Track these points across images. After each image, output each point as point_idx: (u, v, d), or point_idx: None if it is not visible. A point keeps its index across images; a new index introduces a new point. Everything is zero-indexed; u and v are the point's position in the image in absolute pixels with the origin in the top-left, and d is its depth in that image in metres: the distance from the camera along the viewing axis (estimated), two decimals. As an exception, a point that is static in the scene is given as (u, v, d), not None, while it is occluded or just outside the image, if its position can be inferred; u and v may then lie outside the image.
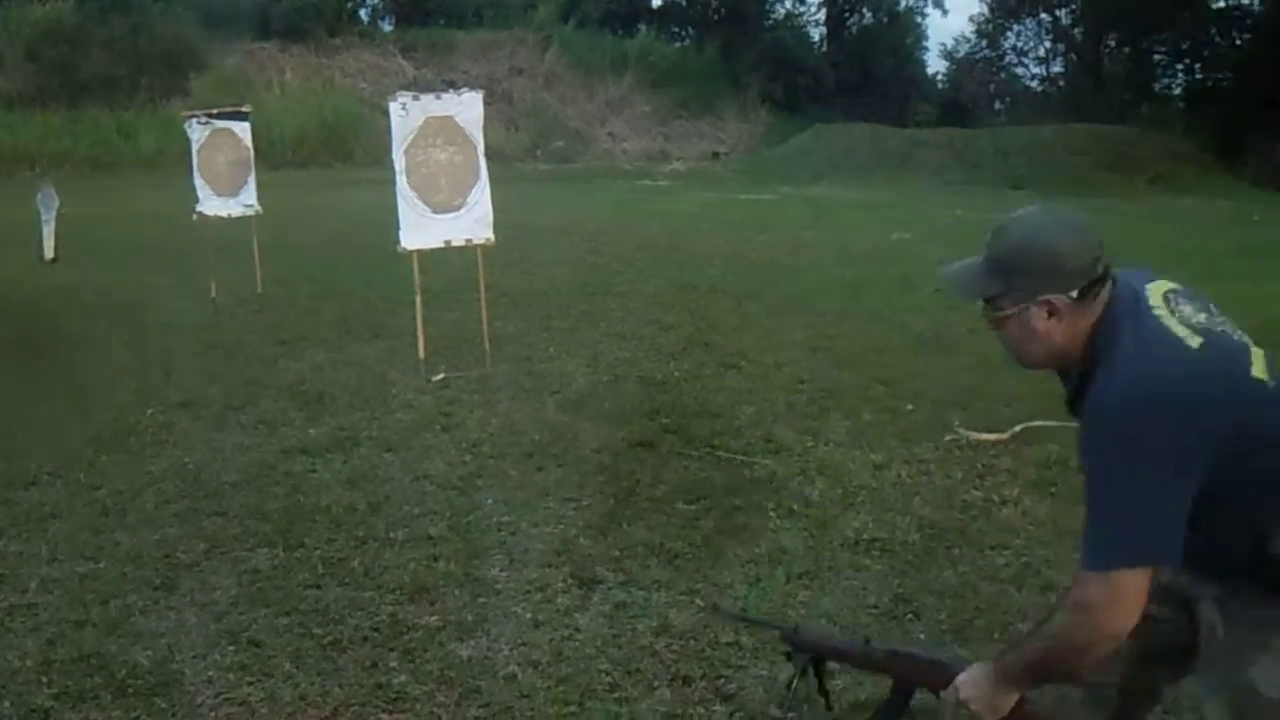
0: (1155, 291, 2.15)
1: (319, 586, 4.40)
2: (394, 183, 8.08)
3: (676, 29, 49.18)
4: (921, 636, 3.95)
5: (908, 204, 25.16)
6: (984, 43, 48.24)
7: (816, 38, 51.48)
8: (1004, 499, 5.38)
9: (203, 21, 37.42)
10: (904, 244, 16.58)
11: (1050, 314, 2.10)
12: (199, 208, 11.10)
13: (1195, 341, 2.03)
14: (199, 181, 11.06)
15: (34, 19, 34.15)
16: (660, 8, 49.05)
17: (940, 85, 52.83)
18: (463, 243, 8.07)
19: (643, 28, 45.43)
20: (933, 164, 35.31)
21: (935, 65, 54.12)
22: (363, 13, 45.02)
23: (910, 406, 7.05)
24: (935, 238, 17.63)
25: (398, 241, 8.05)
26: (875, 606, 4.22)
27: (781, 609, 4.18)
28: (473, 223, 8.05)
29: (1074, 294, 2.08)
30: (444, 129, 7.84)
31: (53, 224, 15.07)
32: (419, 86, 38.64)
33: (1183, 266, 13.77)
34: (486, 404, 7.24)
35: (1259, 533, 2.05)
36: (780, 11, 51.43)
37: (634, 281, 12.39)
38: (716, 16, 48.30)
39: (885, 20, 51.06)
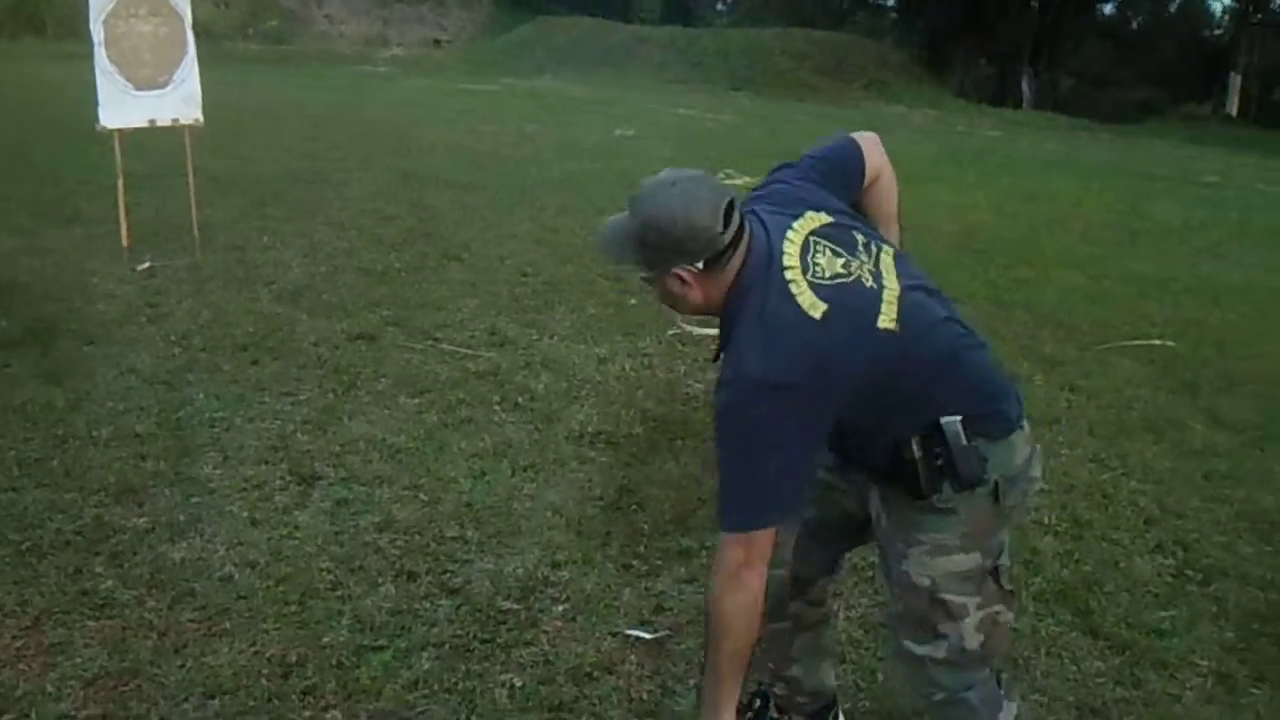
0: (796, 240, 2.24)
1: (14, 490, 4.10)
2: (92, 57, 7.48)
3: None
4: (645, 527, 4.02)
5: (631, 100, 25.27)
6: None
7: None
8: (723, 390, 5.50)
9: None
10: (627, 140, 16.68)
11: (682, 282, 2.21)
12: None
13: (819, 312, 2.14)
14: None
15: None
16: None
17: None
18: (169, 122, 7.56)
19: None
20: (656, 61, 35.57)
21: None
22: None
23: (634, 301, 7.10)
24: (657, 134, 17.88)
25: (97, 120, 7.48)
26: (600, 498, 4.27)
27: (506, 502, 4.17)
28: (179, 101, 7.56)
29: (699, 265, 2.17)
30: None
31: None
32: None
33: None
34: (196, 294, 6.88)
35: (897, 443, 2.29)
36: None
37: (353, 170, 11.99)
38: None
39: (610, -88, 50.74)
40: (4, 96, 16.84)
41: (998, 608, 2.42)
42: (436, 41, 40.34)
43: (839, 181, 2.48)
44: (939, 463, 2.27)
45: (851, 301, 2.18)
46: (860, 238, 2.31)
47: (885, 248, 2.35)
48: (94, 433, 4.64)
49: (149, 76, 7.39)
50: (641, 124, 19.38)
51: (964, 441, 2.25)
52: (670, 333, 6.48)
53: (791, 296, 2.15)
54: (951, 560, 2.35)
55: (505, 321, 6.56)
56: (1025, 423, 2.41)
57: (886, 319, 2.20)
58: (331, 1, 39.81)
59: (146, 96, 7.41)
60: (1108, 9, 43.68)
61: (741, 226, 2.19)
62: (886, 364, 2.20)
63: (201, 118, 7.69)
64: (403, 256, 8.08)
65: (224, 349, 5.83)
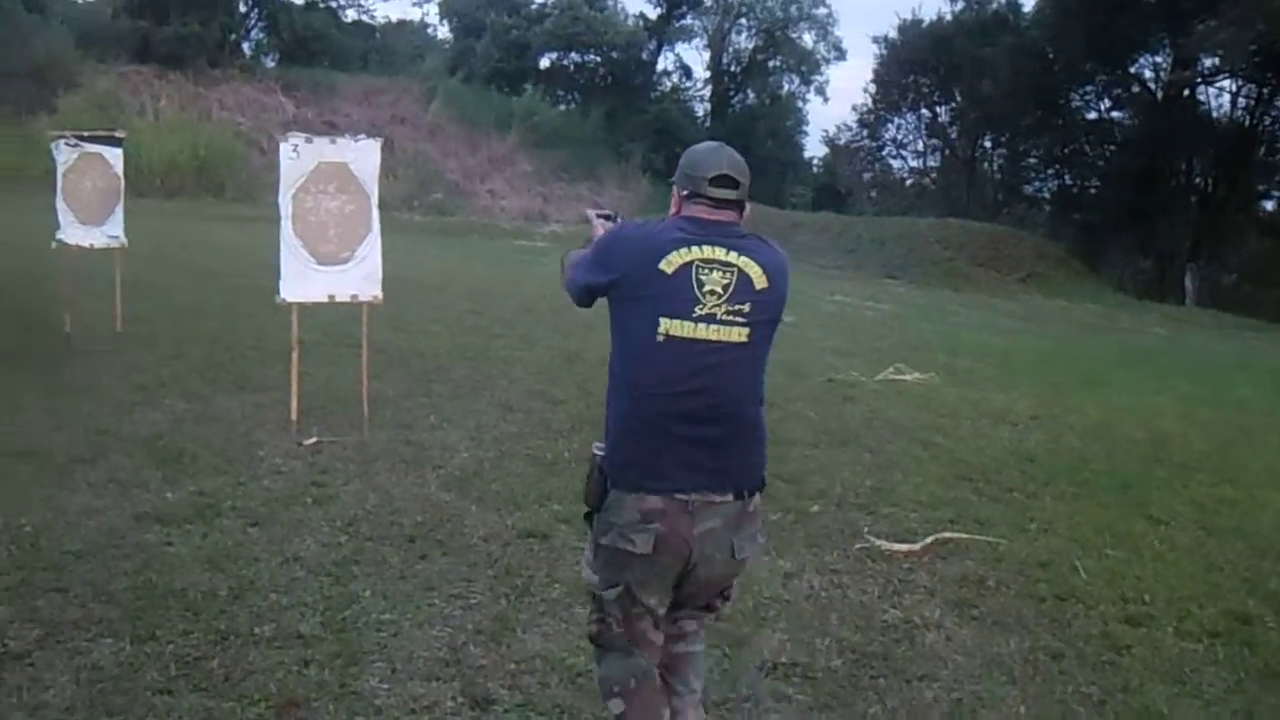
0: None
1: (170, 692, 3.83)
2: (272, 225, 7.53)
3: (562, 92, 49.08)
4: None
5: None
6: (864, 132, 49.13)
7: (700, 113, 52.01)
8: (925, 621, 5.03)
9: (79, 39, 36.12)
10: (790, 328, 16.34)
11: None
12: (60, 235, 10.28)
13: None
14: (61, 207, 10.26)
15: (-106, 20, 32.64)
16: (548, 69, 48.87)
17: (816, 170, 53.75)
18: (348, 298, 7.53)
19: (529, 87, 45.15)
20: (810, 246, 35.57)
21: (813, 150, 55.08)
22: (246, 46, 44.08)
23: (816, 507, 6.70)
24: (818, 322, 17.59)
25: (277, 292, 7.47)
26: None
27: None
28: (361, 278, 7.52)
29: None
30: (337, 176, 7.29)
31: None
32: (299, 125, 37.85)
33: (1069, 374, 13.89)
34: (363, 475, 6.69)
35: None
36: (667, 84, 51.92)
37: (517, 348, 11.93)
38: (603, 83, 48.39)
39: (768, 101, 51.78)
40: (185, 258, 17.38)
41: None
42: (592, 219, 41.09)
43: None
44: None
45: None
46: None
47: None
48: (256, 630, 4.37)
49: (332, 252, 7.37)
50: (801, 311, 19.12)
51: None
52: (858, 546, 6.04)
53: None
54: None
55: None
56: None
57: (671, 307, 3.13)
58: (494, 177, 40.98)
59: (329, 272, 7.39)
60: (1269, 205, 42.58)
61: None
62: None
63: (380, 294, 7.63)
64: (571, 445, 7.80)
65: (391, 539, 5.57)
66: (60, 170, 10.29)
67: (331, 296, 7.48)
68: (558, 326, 13.70)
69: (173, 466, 6.62)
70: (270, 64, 43.45)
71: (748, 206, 3.25)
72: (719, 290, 3.10)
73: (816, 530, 6.30)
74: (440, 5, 48.73)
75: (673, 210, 3.27)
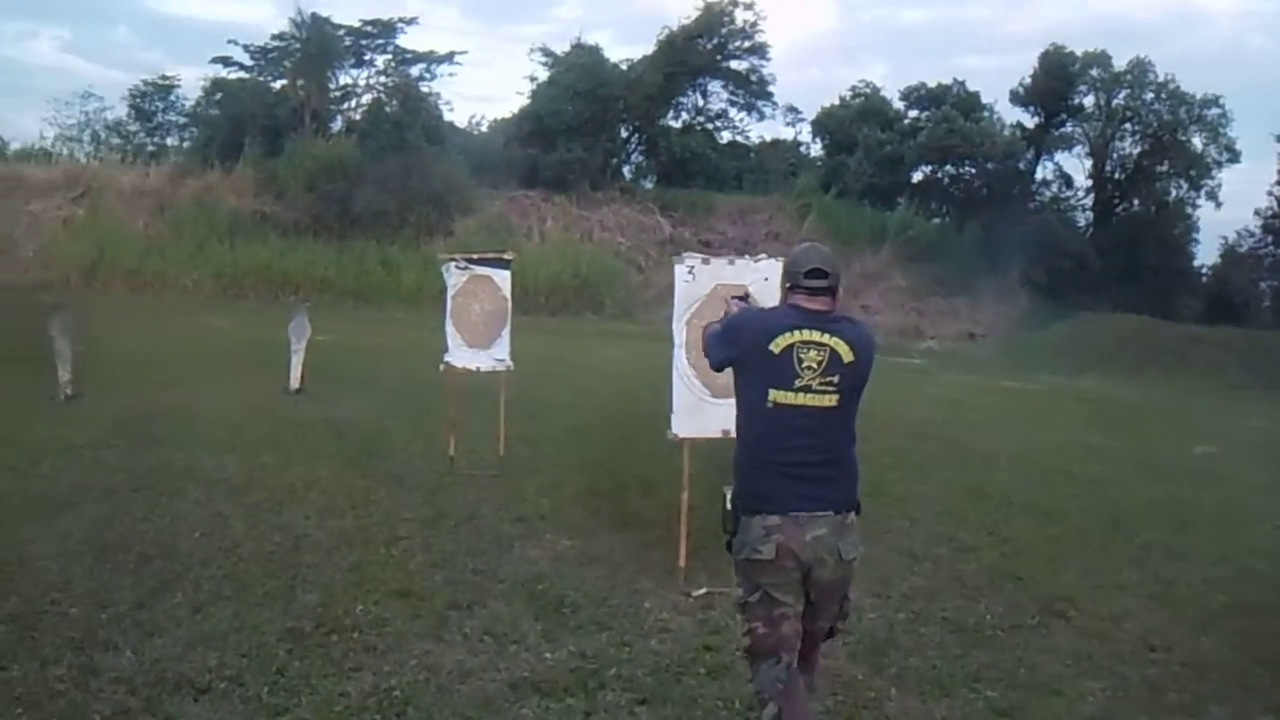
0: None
1: None
2: (662, 349, 6.98)
3: (936, 205, 47.83)
4: None
5: (1193, 408, 22.88)
6: (1269, 238, 45.13)
7: (1082, 223, 49.41)
8: None
9: (474, 167, 38.14)
10: (1211, 460, 14.57)
11: None
12: (447, 358, 10.16)
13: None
14: (450, 330, 10.15)
15: (316, 153, 35.30)
16: (921, 182, 47.81)
17: (1204, 279, 49.77)
18: (719, 434, 6.82)
19: (901, 202, 44.22)
20: (1210, 363, 32.61)
21: (1202, 258, 51.07)
22: (626, 170, 45.34)
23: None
24: (1242, 453, 15.59)
25: (669, 428, 6.87)
26: None
27: None
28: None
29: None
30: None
31: (302, 354, 14.64)
32: (676, 244, 38.38)
33: None
34: (760, 639, 5.90)
35: None
36: (1046, 194, 49.71)
37: (912, 480, 10.92)
38: (979, 195, 46.83)
39: (1154, 209, 48.61)
40: (568, 377, 17.36)
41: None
42: (971, 335, 39.48)
43: None
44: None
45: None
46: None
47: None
48: None
49: (728, 384, 6.66)
50: (1219, 439, 17.13)
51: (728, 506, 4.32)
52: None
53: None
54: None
55: (1147, 723, 5.04)
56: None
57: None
58: (870, 293, 40.14)
59: (725, 404, 6.68)
60: None
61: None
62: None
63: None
64: (993, 607, 6.75)
65: (803, 730, 4.73)
66: (450, 293, 10.20)
67: (726, 432, 6.77)
68: (954, 456, 12.61)
69: (552, 618, 6.07)
70: (648, 185, 44.48)
71: (840, 292, 4.24)
72: (814, 366, 4.10)
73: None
74: (813, 123, 48.75)
75: (781, 299, 4.40)
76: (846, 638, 5.98)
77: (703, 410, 6.76)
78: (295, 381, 14.48)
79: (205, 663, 5.08)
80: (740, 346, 4.27)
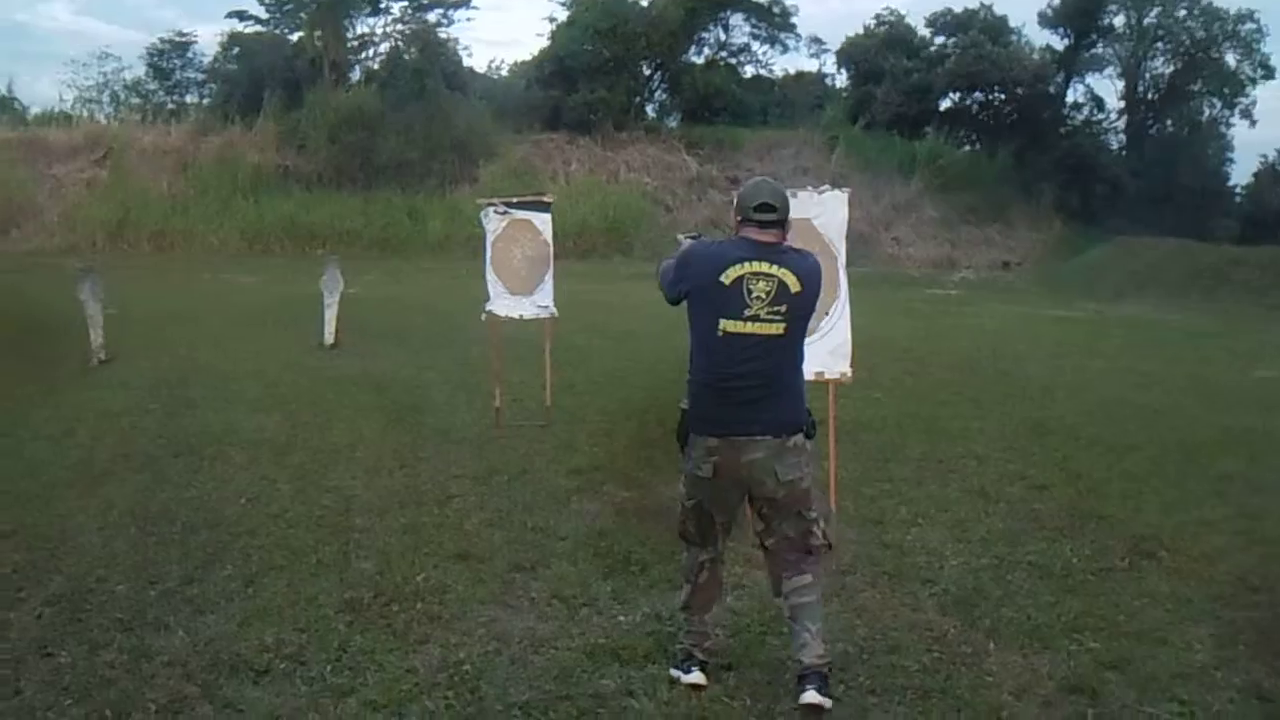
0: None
1: None
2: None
3: (966, 133, 47.02)
4: None
5: (1241, 332, 22.27)
6: (1312, 155, 44.18)
7: (1115, 145, 48.50)
8: None
9: (496, 112, 37.66)
10: (1273, 385, 14.11)
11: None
12: (489, 307, 9.80)
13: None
14: (490, 277, 9.78)
15: (336, 104, 34.88)
16: (949, 111, 46.95)
17: (1238, 199, 48.78)
18: (811, 377, 6.48)
19: (930, 131, 43.44)
20: (1252, 285, 31.91)
21: (1236, 177, 50.01)
22: (650, 109, 44.72)
23: None
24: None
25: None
26: None
27: None
28: (826, 353, 6.50)
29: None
30: (800, 234, 6.23)
31: (335, 308, 14.35)
32: (702, 182, 37.96)
33: None
34: (841, 591, 5.59)
35: None
36: (1077, 118, 48.76)
37: (970, 416, 10.55)
38: (1009, 121, 45.98)
39: (1187, 129, 47.66)
40: (604, 321, 17.01)
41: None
42: (1005, 264, 38.88)
43: None
44: None
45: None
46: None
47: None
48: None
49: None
50: (1275, 363, 16.67)
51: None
52: None
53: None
54: None
55: (1270, 676, 4.70)
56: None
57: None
58: (900, 225, 39.57)
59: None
60: None
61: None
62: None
63: (850, 372, 6.59)
64: (1078, 549, 6.41)
65: (897, 691, 4.43)
66: (489, 239, 9.83)
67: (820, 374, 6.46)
68: (1010, 389, 12.23)
69: (621, 577, 5.77)
70: (673, 124, 43.84)
71: (789, 226, 4.48)
72: (763, 296, 4.26)
73: None
74: (837, 54, 47.93)
75: (734, 232, 4.48)
76: (932, 588, 5.70)
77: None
78: (329, 336, 14.22)
79: (262, 640, 4.80)
80: (692, 279, 4.41)
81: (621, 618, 5.20)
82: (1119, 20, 45.87)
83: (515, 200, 10.13)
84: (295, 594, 5.44)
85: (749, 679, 4.57)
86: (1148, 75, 47.86)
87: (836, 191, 6.58)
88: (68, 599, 5.31)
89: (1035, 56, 45.46)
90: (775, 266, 4.29)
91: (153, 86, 44.43)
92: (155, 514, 6.82)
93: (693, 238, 4.85)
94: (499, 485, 7.67)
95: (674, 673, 4.54)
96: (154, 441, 8.86)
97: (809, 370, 6.40)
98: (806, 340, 6.37)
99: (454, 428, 9.56)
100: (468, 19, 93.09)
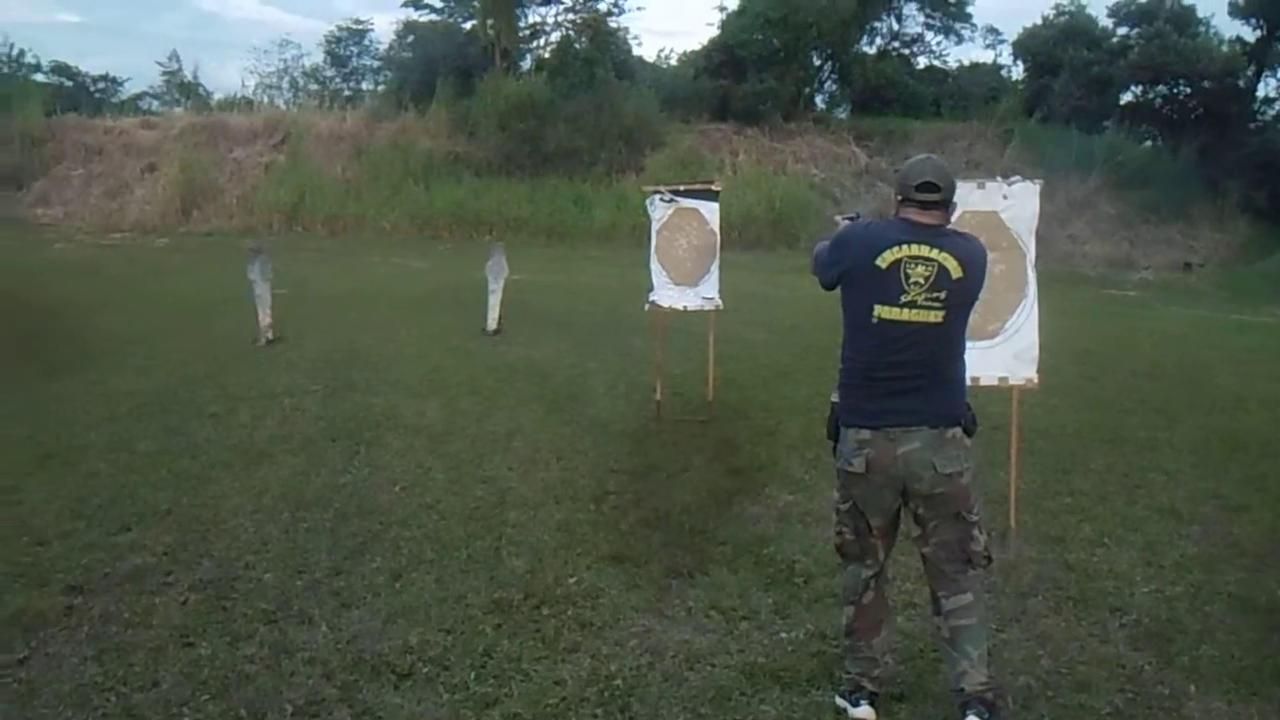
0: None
1: None
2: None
3: (1148, 128, 45.15)
4: None
5: None
6: None
7: (1308, 143, 46.05)
8: None
9: (664, 101, 37.47)
10: None
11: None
12: (652, 297, 9.55)
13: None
14: (655, 267, 9.52)
15: (507, 93, 35.08)
16: (1131, 104, 45.13)
17: None
18: (994, 382, 6.07)
19: (1110, 125, 41.80)
20: None
21: None
22: (819, 99, 44.03)
23: None
24: None
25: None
26: None
27: None
28: (1011, 357, 6.07)
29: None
30: (985, 228, 5.80)
31: (499, 294, 14.27)
32: (872, 174, 37.20)
33: None
34: (1020, 616, 5.18)
35: None
36: (1269, 113, 46.40)
37: (1158, 426, 9.89)
38: (1194, 116, 43.99)
39: (1390, 126, 44.98)
40: (769, 314, 16.63)
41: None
42: (1187, 264, 37.20)
43: None
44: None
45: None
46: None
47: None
48: None
49: (980, 325, 5.91)
50: None
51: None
52: None
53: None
54: None
55: None
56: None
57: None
58: (1076, 221, 38.16)
59: (974, 349, 5.93)
60: None
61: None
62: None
63: (1036, 378, 6.15)
64: (1283, 579, 5.87)
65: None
66: (655, 227, 9.58)
67: (974, 379, 6.04)
68: (1197, 398, 11.47)
69: (784, 589, 5.45)
70: (842, 115, 43.10)
71: (955, 207, 4.17)
72: (921, 281, 3.98)
73: None
74: (1014, 45, 46.51)
75: (893, 212, 4.17)
76: (1122, 618, 5.23)
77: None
78: (492, 323, 14.14)
79: (406, 640, 4.62)
80: (847, 262, 4.14)
81: (784, 634, 4.88)
82: (1318, 9, 43.45)
83: (683, 188, 9.86)
84: (443, 591, 5.26)
85: (923, 713, 4.21)
86: (1347, 70, 45.38)
87: (1027, 183, 6.13)
88: (214, 585, 5.23)
89: (1224, 48, 43.37)
90: (935, 250, 4.01)
91: (330, 73, 45.56)
92: (309, 499, 6.74)
93: (850, 218, 4.63)
94: (657, 483, 7.41)
95: (840, 702, 4.21)
96: (313, 424, 8.85)
97: (992, 375, 6.06)
98: (990, 342, 6.06)
99: (613, 420, 9.34)
100: (638, 9, 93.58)
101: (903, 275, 3.97)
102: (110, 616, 4.85)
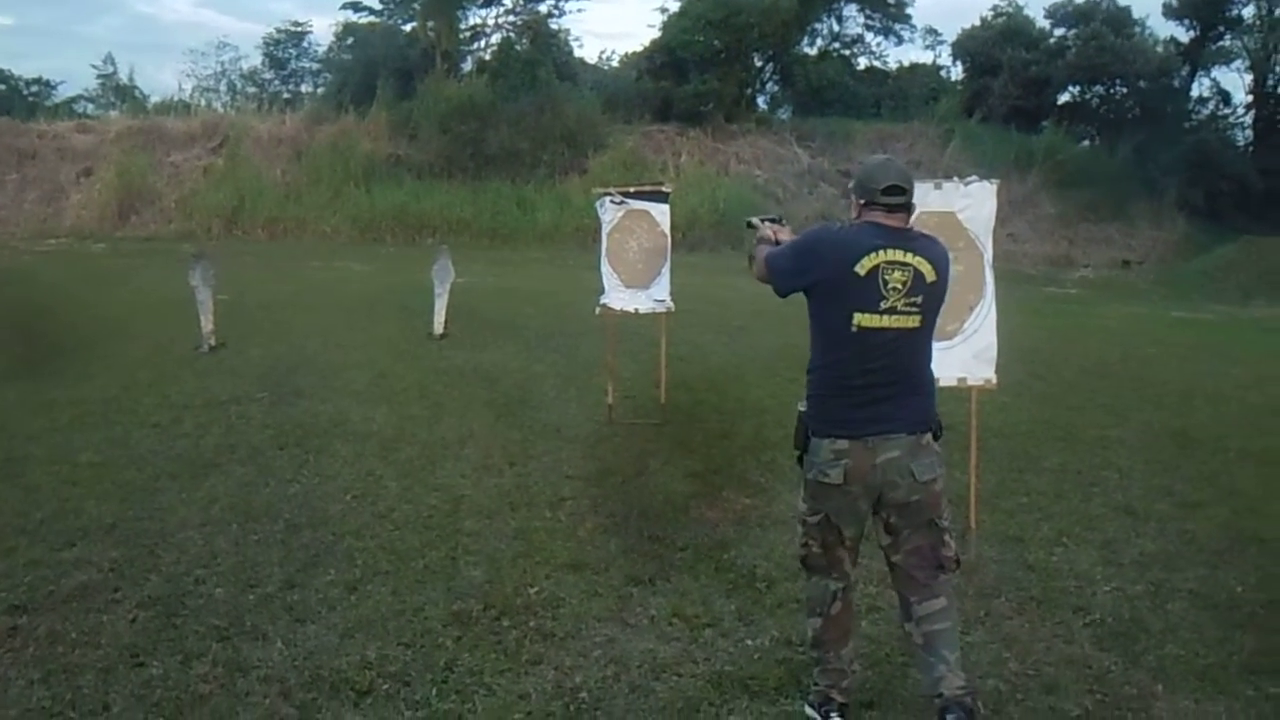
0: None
1: None
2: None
3: (1085, 127, 45.69)
4: None
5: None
6: None
7: (1242, 141, 46.79)
8: None
9: (606, 102, 37.39)
10: None
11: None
12: (603, 300, 9.47)
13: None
14: (606, 269, 9.44)
15: (448, 95, 34.89)
16: (1068, 104, 45.63)
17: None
18: (953, 382, 6.04)
19: (1048, 125, 42.26)
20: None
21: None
22: (761, 100, 44.16)
23: None
24: None
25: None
26: None
27: None
28: (970, 357, 6.04)
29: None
30: (944, 228, 5.76)
31: (445, 298, 14.13)
32: (814, 175, 37.34)
33: None
34: (986, 618, 5.15)
35: None
36: (1203, 112, 47.11)
37: (1107, 424, 9.94)
38: (1130, 115, 44.56)
39: (1320, 124, 45.79)
40: (717, 316, 16.59)
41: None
42: (1125, 262, 37.65)
43: None
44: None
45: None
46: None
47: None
48: None
49: (940, 325, 5.87)
50: None
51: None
52: None
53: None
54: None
55: None
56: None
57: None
58: (1016, 220, 38.50)
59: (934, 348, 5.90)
60: None
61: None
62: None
63: (994, 378, 6.14)
64: (1242, 578, 5.87)
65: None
66: (605, 229, 9.50)
67: (961, 380, 6.02)
68: (1144, 395, 11.57)
69: (746, 594, 5.39)
70: (784, 116, 43.23)
71: (915, 209, 4.10)
72: (899, 287, 3.89)
73: None
74: (953, 46, 46.93)
75: (854, 215, 4.07)
76: (1085, 617, 5.22)
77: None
78: (439, 327, 14.00)
79: (364, 655, 4.51)
80: (817, 271, 3.98)
81: (749, 641, 4.81)
82: (1248, 11, 44.30)
83: (633, 190, 9.80)
84: (400, 603, 5.15)
85: None
86: (1278, 69, 46.14)
87: (985, 183, 6.11)
88: (163, 602, 5.08)
89: (1159, 49, 44.01)
90: (910, 254, 3.92)
91: (268, 76, 45.23)
92: (258, 510, 6.60)
93: (772, 220, 4.60)
94: (613, 488, 7.33)
95: (810, 713, 4.15)
96: (260, 432, 8.68)
97: (951, 375, 6.03)
98: (948, 343, 6.04)
99: (565, 424, 9.24)
100: (579, 10, 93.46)
101: (881, 281, 3.87)
102: (57, 636, 4.69)
